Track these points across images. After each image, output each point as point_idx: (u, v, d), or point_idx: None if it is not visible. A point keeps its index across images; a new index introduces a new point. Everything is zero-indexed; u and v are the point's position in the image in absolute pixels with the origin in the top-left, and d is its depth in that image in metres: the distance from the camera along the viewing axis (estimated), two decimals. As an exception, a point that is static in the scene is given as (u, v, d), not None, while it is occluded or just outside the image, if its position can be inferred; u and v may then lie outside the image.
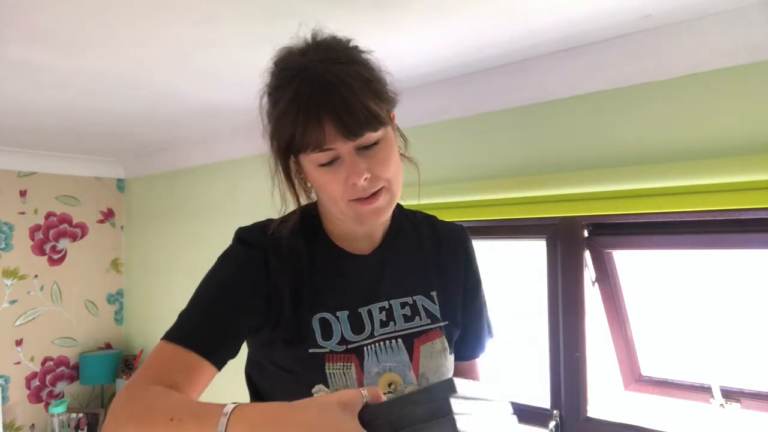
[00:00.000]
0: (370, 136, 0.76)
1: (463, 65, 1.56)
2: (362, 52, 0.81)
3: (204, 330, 0.78)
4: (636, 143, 1.39)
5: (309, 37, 0.80)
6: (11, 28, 1.30)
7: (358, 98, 0.73)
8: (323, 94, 0.72)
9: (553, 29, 1.30)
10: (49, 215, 3.08)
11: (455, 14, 1.22)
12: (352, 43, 0.81)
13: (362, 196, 0.78)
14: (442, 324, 0.91)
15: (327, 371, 0.81)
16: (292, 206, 0.89)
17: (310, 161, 0.78)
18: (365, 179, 0.76)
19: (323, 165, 0.77)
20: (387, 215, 0.83)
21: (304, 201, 0.88)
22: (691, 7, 1.17)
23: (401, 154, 0.88)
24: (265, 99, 0.82)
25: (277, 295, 0.83)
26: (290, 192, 0.85)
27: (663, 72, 1.34)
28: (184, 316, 0.81)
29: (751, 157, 1.19)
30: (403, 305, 0.89)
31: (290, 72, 0.76)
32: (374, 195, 0.79)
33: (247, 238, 0.87)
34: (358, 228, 0.88)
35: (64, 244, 3.13)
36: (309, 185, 0.87)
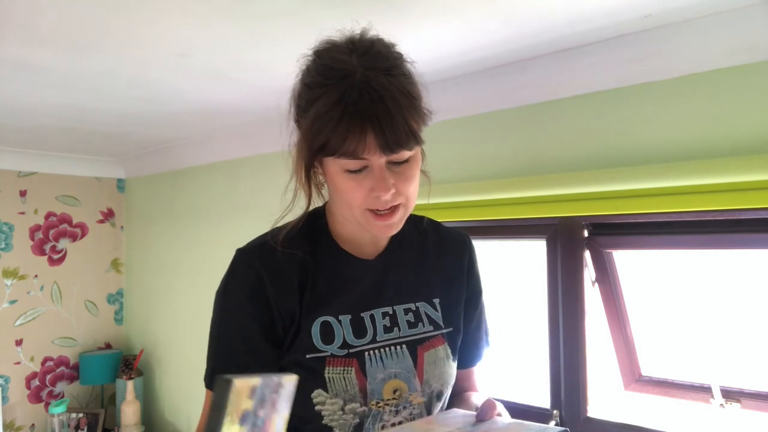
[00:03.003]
0: (404, 154, 0.76)
1: (463, 65, 1.56)
2: (406, 62, 0.80)
3: None
4: (636, 143, 1.39)
5: (355, 33, 0.79)
6: (11, 28, 1.30)
7: (402, 115, 0.72)
8: (371, 104, 0.70)
9: (553, 29, 1.30)
10: (49, 215, 3.08)
11: (455, 14, 1.22)
12: (397, 50, 0.80)
13: (382, 208, 0.78)
14: (444, 331, 0.90)
15: (326, 375, 0.81)
16: (300, 202, 0.87)
17: (337, 164, 0.76)
18: (391, 194, 0.76)
19: (350, 171, 0.76)
20: (397, 230, 0.83)
21: (315, 198, 0.87)
22: (691, 7, 1.17)
23: (421, 171, 0.89)
24: (298, 86, 0.80)
25: (281, 316, 0.83)
26: (306, 190, 0.83)
27: (663, 72, 1.34)
28: (215, 368, 0.84)
29: (751, 157, 1.19)
30: (406, 311, 0.89)
31: (337, 72, 0.73)
32: (391, 211, 0.79)
33: (241, 267, 0.85)
34: (365, 233, 0.88)
35: (64, 244, 3.13)
36: (322, 180, 0.84)
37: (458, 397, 0.98)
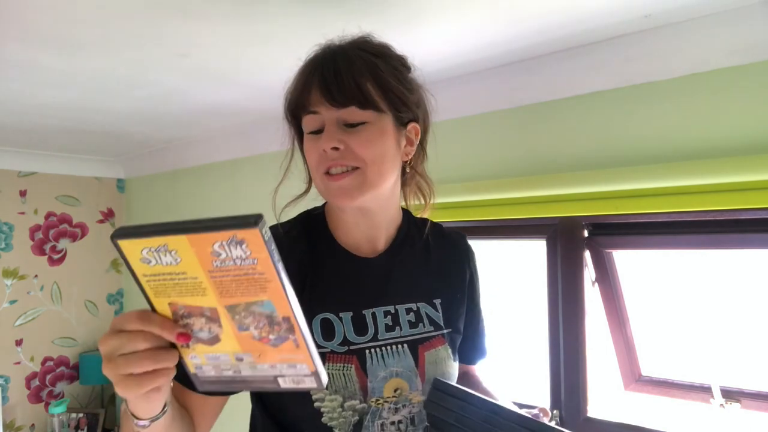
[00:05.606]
0: (355, 113, 0.77)
1: (463, 65, 1.56)
2: (399, 56, 0.84)
3: None
4: (636, 143, 1.39)
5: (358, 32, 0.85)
6: (11, 28, 1.30)
7: (352, 72, 0.76)
8: (322, 59, 0.78)
9: (553, 29, 1.30)
10: (49, 215, 3.08)
11: (455, 14, 1.22)
12: (391, 48, 0.84)
13: (331, 167, 0.78)
14: (444, 331, 0.90)
15: (326, 371, 0.81)
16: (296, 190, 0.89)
17: (304, 126, 0.82)
18: (334, 148, 0.77)
19: (311, 132, 0.80)
20: (356, 200, 0.80)
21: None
22: (691, 7, 1.17)
23: (416, 171, 0.91)
24: None
25: None
26: (305, 163, 0.87)
27: (663, 72, 1.34)
28: None
29: (751, 157, 1.19)
30: (408, 311, 0.89)
31: (319, 47, 0.82)
32: (343, 174, 0.78)
33: None
34: (362, 229, 0.88)
35: (64, 244, 3.13)
36: None
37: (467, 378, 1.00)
